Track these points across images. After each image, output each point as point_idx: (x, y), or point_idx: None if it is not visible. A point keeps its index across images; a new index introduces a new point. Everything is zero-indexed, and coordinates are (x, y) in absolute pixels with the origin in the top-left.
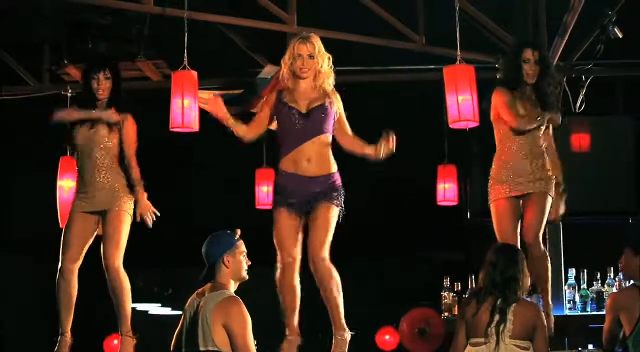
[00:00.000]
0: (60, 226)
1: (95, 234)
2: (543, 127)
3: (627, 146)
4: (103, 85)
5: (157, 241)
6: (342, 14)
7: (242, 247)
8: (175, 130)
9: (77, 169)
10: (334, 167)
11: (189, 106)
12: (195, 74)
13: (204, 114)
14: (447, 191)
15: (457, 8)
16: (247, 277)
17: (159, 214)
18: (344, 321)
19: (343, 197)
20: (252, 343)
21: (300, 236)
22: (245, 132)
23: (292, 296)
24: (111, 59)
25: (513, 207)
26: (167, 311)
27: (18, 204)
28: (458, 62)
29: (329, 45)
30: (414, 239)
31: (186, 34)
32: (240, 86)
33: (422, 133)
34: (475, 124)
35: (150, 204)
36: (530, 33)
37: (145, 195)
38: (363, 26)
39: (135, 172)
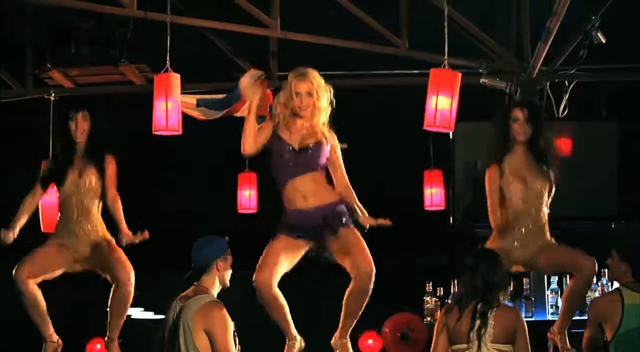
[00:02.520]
0: (42, 229)
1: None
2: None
3: (609, 151)
4: (81, 127)
5: (138, 244)
6: (324, 18)
7: (230, 254)
8: (158, 133)
9: (59, 208)
10: (335, 197)
11: (172, 108)
12: (177, 76)
13: (186, 118)
14: (434, 196)
15: (446, 13)
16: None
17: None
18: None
19: (351, 218)
20: (233, 348)
21: (288, 262)
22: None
23: (277, 307)
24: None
25: None
26: (150, 315)
27: None
28: (444, 66)
29: (311, 49)
30: (397, 244)
31: (168, 37)
32: (223, 90)
33: (407, 138)
34: (449, 131)
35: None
36: (513, 38)
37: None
38: (346, 30)
39: (119, 213)
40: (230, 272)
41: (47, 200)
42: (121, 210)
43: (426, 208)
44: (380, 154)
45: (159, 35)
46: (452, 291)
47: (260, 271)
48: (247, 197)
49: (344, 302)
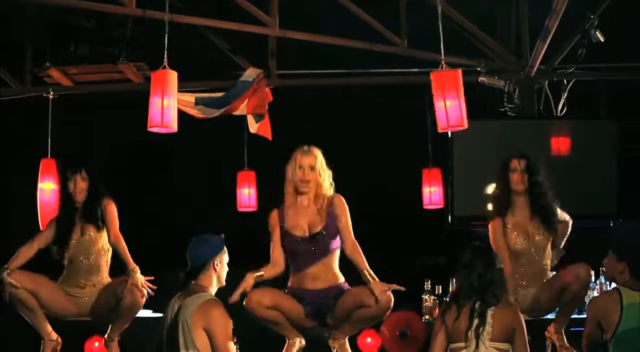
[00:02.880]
0: (41, 228)
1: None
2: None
3: (608, 149)
4: (80, 187)
5: (138, 243)
6: (324, 17)
7: (226, 252)
8: (153, 129)
9: (64, 263)
10: (341, 279)
11: (168, 106)
12: (174, 73)
13: (184, 116)
14: (432, 194)
15: (439, 11)
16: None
17: (153, 289)
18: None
19: None
20: (232, 346)
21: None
22: (274, 273)
23: (270, 315)
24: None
25: None
26: (148, 313)
27: None
28: (442, 67)
29: (310, 47)
30: (395, 242)
31: (166, 35)
32: (222, 89)
33: (405, 136)
34: (463, 128)
35: (143, 279)
36: (512, 37)
37: (139, 272)
38: (345, 29)
39: (126, 254)
40: (226, 270)
41: (46, 199)
42: (126, 248)
43: (425, 207)
44: (379, 152)
45: (157, 34)
46: (450, 290)
47: (253, 294)
48: (247, 195)
49: (353, 314)
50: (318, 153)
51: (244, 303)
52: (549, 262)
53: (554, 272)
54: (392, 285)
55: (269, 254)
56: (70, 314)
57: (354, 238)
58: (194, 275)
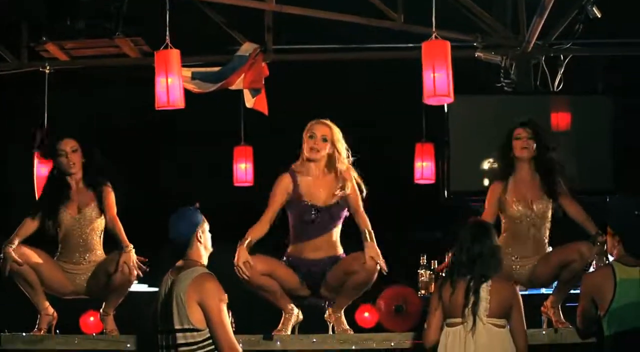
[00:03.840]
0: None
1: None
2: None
3: (605, 125)
4: (72, 160)
5: (134, 218)
6: None
7: (205, 220)
8: (160, 108)
9: (59, 237)
10: (340, 250)
11: (172, 84)
12: (177, 52)
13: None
14: (424, 169)
15: None
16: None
17: (146, 269)
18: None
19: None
20: (227, 319)
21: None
22: (262, 233)
23: (264, 281)
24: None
25: None
26: (144, 288)
27: None
28: (433, 37)
29: (306, 22)
30: (390, 217)
31: (167, 12)
32: (218, 63)
33: (400, 111)
34: (449, 100)
35: (136, 258)
36: (509, 12)
37: (132, 251)
38: (341, 4)
39: (121, 235)
40: (210, 236)
41: (43, 173)
42: (122, 229)
43: (416, 181)
44: (374, 126)
45: (154, 8)
46: (435, 265)
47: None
48: (243, 170)
49: (345, 283)
50: (334, 127)
51: (236, 267)
52: (547, 233)
53: (551, 248)
54: (382, 260)
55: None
56: (67, 291)
57: (362, 210)
58: (182, 252)
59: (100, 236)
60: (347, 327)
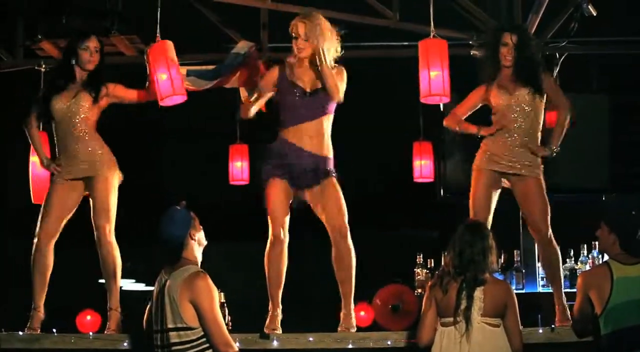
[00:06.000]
0: (33, 201)
1: (77, 204)
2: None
3: (601, 123)
4: (95, 57)
5: (130, 216)
6: None
7: (195, 217)
8: (166, 101)
9: (55, 137)
10: (331, 153)
11: (175, 75)
12: (170, 43)
13: None
14: (423, 168)
15: None
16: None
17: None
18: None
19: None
20: (220, 316)
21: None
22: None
23: (278, 271)
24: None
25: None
26: (141, 287)
27: None
28: (432, 36)
29: None
30: (387, 216)
31: (159, 7)
32: (213, 61)
33: (397, 110)
34: (446, 100)
35: None
36: (503, 10)
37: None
38: (337, 2)
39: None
40: (202, 231)
41: (37, 172)
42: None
43: (415, 180)
44: (371, 125)
45: (150, 7)
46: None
47: (274, 225)
48: (239, 168)
49: (335, 271)
50: (312, 20)
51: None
52: (539, 134)
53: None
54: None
55: (262, 227)
56: (75, 203)
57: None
58: (178, 254)
59: (94, 128)
60: (352, 325)
